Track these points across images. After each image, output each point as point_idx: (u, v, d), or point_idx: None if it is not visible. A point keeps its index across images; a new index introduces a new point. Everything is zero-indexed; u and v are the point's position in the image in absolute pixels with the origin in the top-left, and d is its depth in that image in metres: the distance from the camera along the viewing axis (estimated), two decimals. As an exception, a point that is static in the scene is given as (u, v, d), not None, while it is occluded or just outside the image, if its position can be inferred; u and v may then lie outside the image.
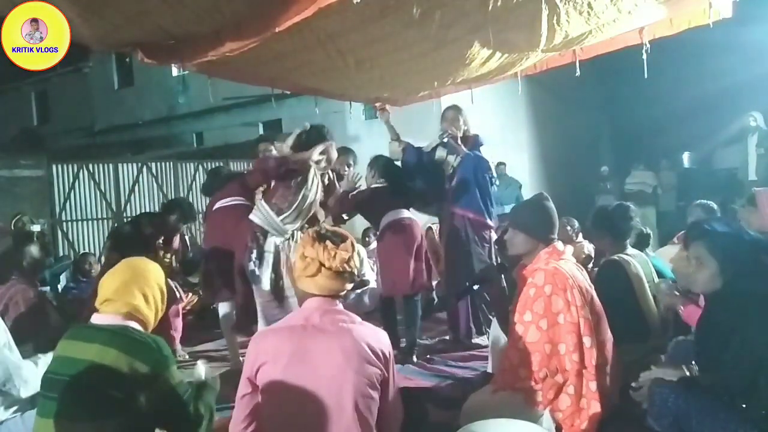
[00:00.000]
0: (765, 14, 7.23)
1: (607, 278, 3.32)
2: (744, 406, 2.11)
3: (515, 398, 2.59)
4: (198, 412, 1.95)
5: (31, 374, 2.42)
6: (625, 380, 2.69)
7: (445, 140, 4.52)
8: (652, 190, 10.07)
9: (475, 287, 3.25)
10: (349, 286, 2.03)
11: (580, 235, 5.41)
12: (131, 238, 4.41)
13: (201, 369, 2.19)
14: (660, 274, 3.47)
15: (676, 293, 2.82)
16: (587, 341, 2.56)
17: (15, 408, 2.46)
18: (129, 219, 7.51)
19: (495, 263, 4.35)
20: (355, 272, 2.03)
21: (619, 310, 2.98)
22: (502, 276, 3.33)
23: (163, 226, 4.79)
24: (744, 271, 2.25)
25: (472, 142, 4.62)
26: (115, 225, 9.05)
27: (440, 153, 4.54)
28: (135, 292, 1.98)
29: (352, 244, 2.01)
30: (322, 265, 1.94)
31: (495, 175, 4.77)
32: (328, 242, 1.95)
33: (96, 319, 1.99)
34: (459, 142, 4.52)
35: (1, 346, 2.42)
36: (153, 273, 2.07)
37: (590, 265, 4.98)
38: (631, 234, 3.54)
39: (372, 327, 2.04)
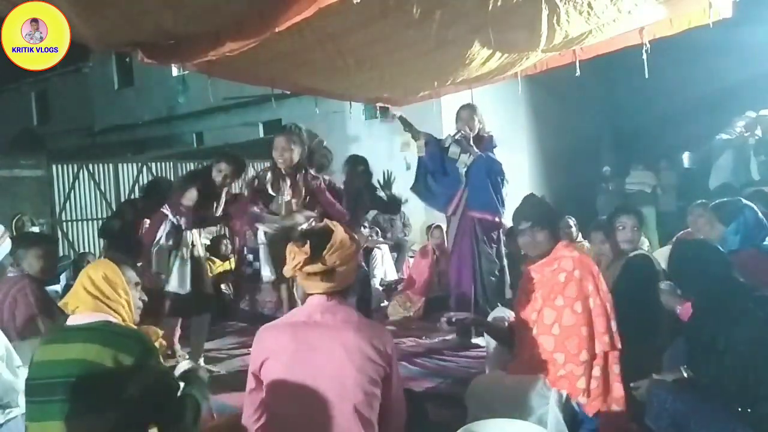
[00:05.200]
0: (765, 14, 7.21)
1: (637, 271, 3.22)
2: (739, 409, 2.12)
3: (525, 381, 2.53)
4: (184, 402, 1.96)
5: None
6: (628, 380, 2.69)
7: (458, 138, 4.54)
8: (651, 190, 10.05)
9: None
10: (344, 282, 1.98)
11: (580, 234, 5.41)
12: (117, 227, 4.35)
13: (184, 365, 2.27)
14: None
15: (678, 293, 2.82)
16: (614, 325, 2.53)
17: (14, 412, 2.44)
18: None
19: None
20: (346, 268, 1.96)
21: (642, 305, 2.93)
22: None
23: (146, 208, 4.62)
24: (722, 278, 2.32)
25: (487, 143, 4.63)
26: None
27: (454, 150, 4.57)
28: (86, 291, 1.99)
29: (336, 241, 1.93)
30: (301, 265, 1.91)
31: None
32: (306, 243, 1.90)
33: (71, 320, 2.00)
34: (471, 142, 4.53)
35: None
36: (97, 267, 2.07)
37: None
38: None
39: (373, 323, 2.03)
